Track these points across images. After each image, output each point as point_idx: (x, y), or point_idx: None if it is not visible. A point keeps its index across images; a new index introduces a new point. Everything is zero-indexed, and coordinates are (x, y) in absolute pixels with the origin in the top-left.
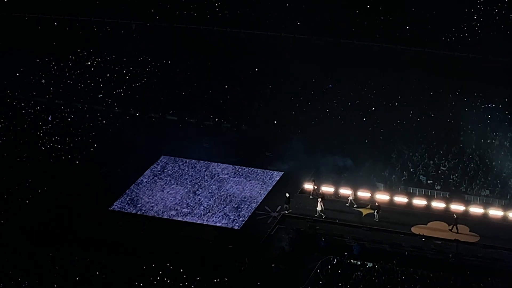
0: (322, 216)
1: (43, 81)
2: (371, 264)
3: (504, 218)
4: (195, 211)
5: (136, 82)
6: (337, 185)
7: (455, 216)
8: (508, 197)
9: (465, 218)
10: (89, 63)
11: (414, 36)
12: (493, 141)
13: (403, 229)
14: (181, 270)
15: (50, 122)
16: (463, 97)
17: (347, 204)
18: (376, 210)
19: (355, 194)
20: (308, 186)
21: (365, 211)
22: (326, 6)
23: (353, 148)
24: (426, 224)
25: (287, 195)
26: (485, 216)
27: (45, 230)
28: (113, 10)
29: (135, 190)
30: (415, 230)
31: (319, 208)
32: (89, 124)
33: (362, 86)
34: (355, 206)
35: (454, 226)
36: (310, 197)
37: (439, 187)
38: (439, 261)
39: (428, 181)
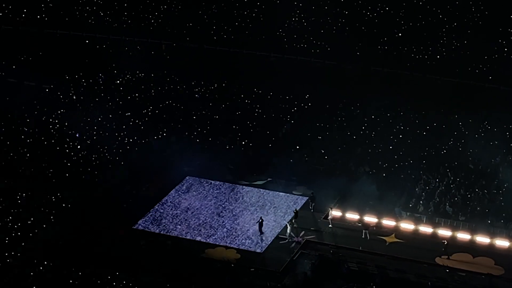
0: (288, 238)
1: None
2: None
3: None
4: (218, 233)
5: (163, 101)
6: (361, 212)
7: (445, 242)
8: None
9: (490, 250)
10: (117, 81)
11: (445, 66)
12: None
13: (427, 259)
14: None
15: (78, 139)
16: (493, 129)
17: (330, 225)
18: (366, 230)
19: (332, 213)
20: (334, 213)
21: (389, 240)
22: (357, 34)
23: (377, 175)
24: (451, 255)
25: (296, 210)
26: (511, 249)
27: (68, 247)
28: (142, 30)
29: (160, 210)
30: (439, 260)
31: (288, 230)
32: (116, 142)
33: (390, 114)
34: (329, 225)
35: (445, 252)
36: (330, 226)
37: (463, 218)
38: None
39: (451, 211)
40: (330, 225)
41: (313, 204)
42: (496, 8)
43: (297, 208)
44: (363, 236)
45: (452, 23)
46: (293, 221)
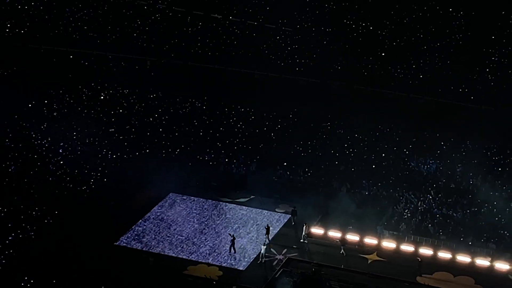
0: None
1: (55, 113)
2: None
3: (510, 271)
4: (200, 250)
5: (147, 117)
6: (344, 231)
7: (419, 260)
8: None
9: (470, 269)
10: (101, 97)
11: (428, 85)
12: (502, 193)
13: (409, 278)
14: None
15: (61, 154)
16: (475, 148)
17: (303, 240)
18: (343, 245)
19: (309, 227)
20: (315, 231)
21: (371, 258)
22: (342, 51)
23: (360, 193)
24: (431, 274)
25: (267, 226)
26: (491, 269)
27: (49, 262)
28: (127, 46)
29: (142, 226)
30: (420, 279)
31: (263, 251)
32: (99, 157)
33: (373, 132)
34: (304, 240)
35: (419, 270)
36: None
37: (444, 237)
38: None
39: (433, 230)
40: (305, 240)
41: (295, 217)
42: (479, 28)
43: (268, 224)
44: (341, 252)
45: (436, 43)
46: (265, 238)
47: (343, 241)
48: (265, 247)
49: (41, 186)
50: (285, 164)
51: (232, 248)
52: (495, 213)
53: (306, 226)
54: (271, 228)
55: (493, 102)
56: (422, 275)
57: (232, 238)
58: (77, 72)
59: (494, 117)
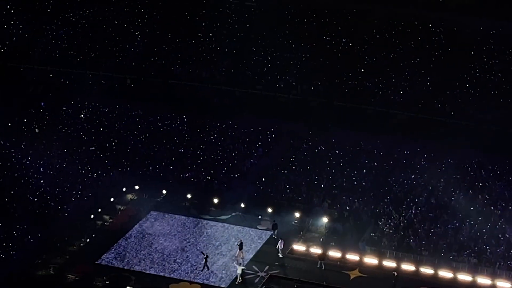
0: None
1: (37, 130)
2: None
3: (492, 286)
4: (182, 268)
5: (128, 135)
6: (325, 247)
7: (395, 274)
8: (497, 266)
9: (453, 285)
10: (81, 115)
11: (407, 100)
12: (484, 209)
13: None
14: None
15: (41, 173)
16: (455, 163)
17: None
18: (321, 260)
19: (284, 243)
20: (297, 247)
21: (353, 274)
22: (321, 68)
23: (342, 209)
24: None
25: (240, 241)
26: (473, 283)
27: (30, 281)
28: (107, 64)
29: (123, 245)
30: None
31: (239, 271)
32: (79, 175)
33: (353, 148)
34: (279, 254)
35: (394, 284)
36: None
37: (426, 253)
38: None
39: (414, 246)
40: (280, 255)
41: (276, 231)
42: (458, 43)
43: (241, 240)
44: (318, 266)
45: (415, 58)
46: (237, 256)
47: (321, 256)
48: (240, 266)
49: (21, 205)
50: (265, 180)
51: (205, 266)
52: (476, 228)
53: (281, 241)
54: (253, 245)
55: (472, 118)
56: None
57: (204, 256)
58: (57, 90)
59: (474, 132)
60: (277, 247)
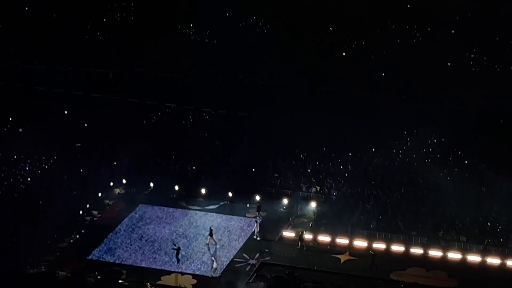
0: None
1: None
2: None
3: (482, 263)
4: (173, 259)
5: (112, 128)
6: (315, 231)
7: (372, 253)
8: (486, 243)
9: (443, 263)
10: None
11: (389, 82)
12: (471, 187)
13: (382, 275)
14: None
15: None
16: (440, 142)
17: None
18: (300, 240)
19: (259, 226)
20: (287, 234)
21: (343, 258)
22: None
23: (329, 192)
24: (405, 270)
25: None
26: (463, 261)
27: (22, 279)
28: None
29: (113, 239)
30: (393, 276)
31: (215, 265)
32: (66, 170)
33: (338, 131)
34: (257, 238)
35: (372, 263)
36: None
37: (415, 233)
38: None
39: (403, 226)
40: (258, 238)
41: (260, 212)
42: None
43: (211, 227)
44: (298, 247)
45: (396, 40)
46: (209, 241)
47: (301, 237)
48: (215, 259)
49: (9, 204)
50: (251, 168)
51: (178, 258)
52: (464, 207)
53: (256, 224)
54: (242, 234)
55: (457, 96)
56: (376, 267)
57: (176, 248)
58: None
59: (458, 110)
60: (255, 231)
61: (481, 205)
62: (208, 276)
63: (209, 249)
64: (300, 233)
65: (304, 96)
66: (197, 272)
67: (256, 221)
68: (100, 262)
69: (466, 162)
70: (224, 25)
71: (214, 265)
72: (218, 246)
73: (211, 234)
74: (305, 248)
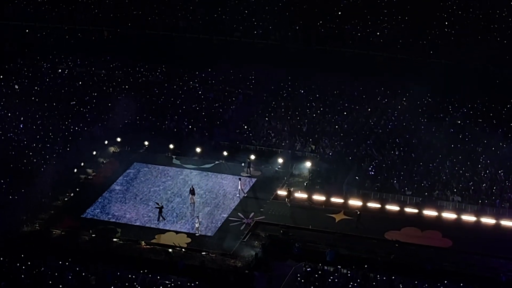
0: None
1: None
2: (345, 270)
3: (477, 223)
4: (168, 218)
5: (108, 87)
6: (310, 191)
7: (358, 212)
8: (480, 202)
9: (437, 223)
10: (59, 70)
11: (386, 42)
12: (466, 147)
13: (376, 235)
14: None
15: (22, 129)
16: (435, 102)
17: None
18: (288, 197)
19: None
20: (281, 193)
21: (338, 217)
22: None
23: (324, 153)
24: (399, 230)
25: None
26: (457, 221)
27: (17, 238)
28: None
29: (108, 197)
30: (388, 236)
31: (197, 225)
32: (60, 128)
33: (333, 91)
34: (241, 195)
35: (358, 221)
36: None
37: (410, 193)
38: (412, 266)
39: (398, 186)
40: (238, 195)
41: (250, 169)
42: None
43: (192, 186)
44: (288, 205)
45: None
46: (190, 199)
47: (288, 194)
48: (198, 219)
49: (3, 162)
50: (246, 127)
51: (160, 216)
52: (459, 166)
53: (240, 182)
54: (237, 193)
55: (452, 56)
56: (363, 226)
57: (159, 207)
58: (33, 47)
59: (454, 71)
60: (239, 188)
61: (476, 165)
62: (201, 235)
63: (197, 219)
64: (287, 190)
65: (300, 54)
66: (192, 231)
67: (240, 179)
68: (95, 220)
69: (461, 122)
70: None
71: (196, 224)
72: (199, 205)
73: (192, 193)
74: (289, 205)
